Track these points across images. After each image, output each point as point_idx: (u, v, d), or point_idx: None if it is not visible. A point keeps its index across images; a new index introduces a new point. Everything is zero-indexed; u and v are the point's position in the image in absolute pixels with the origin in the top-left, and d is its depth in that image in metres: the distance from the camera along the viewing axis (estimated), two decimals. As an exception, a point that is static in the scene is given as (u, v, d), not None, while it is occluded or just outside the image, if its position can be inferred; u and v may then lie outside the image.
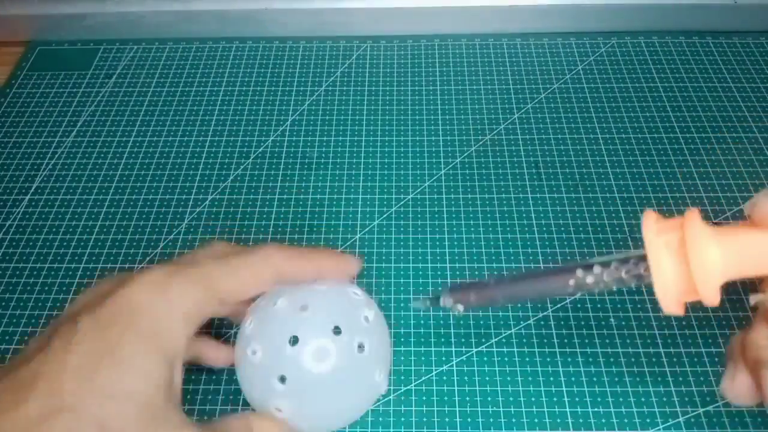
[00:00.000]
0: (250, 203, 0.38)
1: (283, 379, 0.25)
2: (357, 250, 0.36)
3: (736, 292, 0.33)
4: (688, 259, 0.21)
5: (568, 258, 0.35)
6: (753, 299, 0.23)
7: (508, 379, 0.31)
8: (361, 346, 0.26)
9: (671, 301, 0.22)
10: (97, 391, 0.22)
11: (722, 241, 0.21)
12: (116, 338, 0.23)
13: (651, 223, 0.22)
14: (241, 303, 0.28)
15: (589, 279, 0.24)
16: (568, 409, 0.30)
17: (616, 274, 0.23)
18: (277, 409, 0.26)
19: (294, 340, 0.25)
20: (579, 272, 0.24)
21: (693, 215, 0.21)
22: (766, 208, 0.21)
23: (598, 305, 0.33)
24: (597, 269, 0.24)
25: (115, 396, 0.22)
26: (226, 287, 0.26)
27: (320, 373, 0.25)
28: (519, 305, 0.33)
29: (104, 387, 0.22)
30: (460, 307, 0.27)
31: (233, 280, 0.26)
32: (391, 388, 0.31)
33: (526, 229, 0.36)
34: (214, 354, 0.29)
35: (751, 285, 0.24)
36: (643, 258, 0.22)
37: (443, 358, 0.32)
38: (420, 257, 0.35)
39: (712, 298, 0.21)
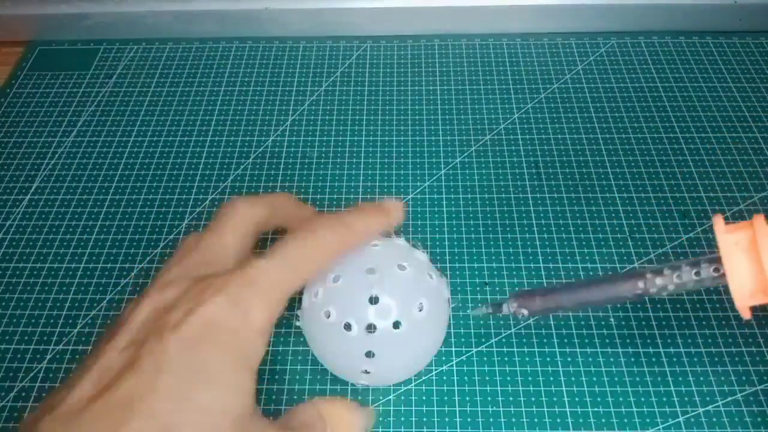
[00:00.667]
0: (250, 203, 0.38)
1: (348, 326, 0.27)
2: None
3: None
4: (759, 258, 0.21)
5: (568, 258, 0.35)
6: None
7: (508, 379, 0.31)
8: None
9: (743, 300, 0.22)
10: (193, 409, 0.22)
11: None
12: (204, 357, 0.23)
13: (721, 224, 0.23)
14: None
15: (659, 281, 0.24)
16: (568, 409, 0.30)
17: (686, 276, 0.24)
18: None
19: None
20: (648, 275, 0.25)
21: (761, 217, 0.22)
22: None
23: (598, 305, 0.33)
24: (667, 272, 0.24)
25: (211, 413, 0.22)
26: (291, 288, 0.26)
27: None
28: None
29: (200, 405, 0.22)
30: (525, 312, 0.27)
31: (298, 281, 0.26)
32: (392, 387, 0.31)
33: (526, 229, 0.36)
34: None
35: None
36: (714, 260, 0.23)
37: (443, 358, 0.32)
38: (420, 257, 0.35)
39: None
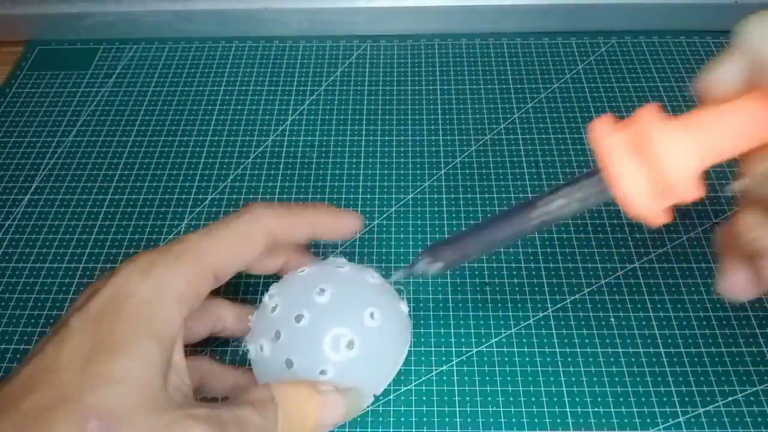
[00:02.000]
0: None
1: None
2: (357, 250, 0.36)
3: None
4: (651, 157, 0.19)
5: (569, 258, 0.35)
6: (735, 186, 0.20)
7: (508, 379, 0.31)
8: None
9: (643, 206, 0.19)
10: (93, 379, 0.21)
11: (685, 128, 0.19)
12: (107, 327, 0.22)
13: (603, 125, 0.20)
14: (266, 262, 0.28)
15: (552, 206, 0.22)
16: (568, 409, 0.30)
17: (580, 192, 0.22)
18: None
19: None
20: (541, 202, 0.23)
21: (648, 109, 0.19)
22: (713, 80, 0.19)
23: (599, 305, 0.33)
24: (559, 192, 0.22)
25: (113, 382, 0.21)
26: (216, 259, 0.25)
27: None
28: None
29: (101, 374, 0.21)
30: (440, 265, 0.26)
31: (221, 251, 0.25)
32: (391, 388, 0.30)
33: (526, 228, 0.36)
34: (231, 322, 0.29)
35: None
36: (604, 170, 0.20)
37: (443, 358, 0.32)
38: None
39: (691, 192, 0.19)
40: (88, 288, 0.25)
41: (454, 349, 0.32)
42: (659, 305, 0.33)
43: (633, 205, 0.19)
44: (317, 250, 0.36)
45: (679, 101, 0.43)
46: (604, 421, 0.29)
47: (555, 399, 0.30)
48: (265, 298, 0.29)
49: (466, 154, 0.40)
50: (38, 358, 0.22)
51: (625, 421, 0.29)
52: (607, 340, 0.32)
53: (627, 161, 0.19)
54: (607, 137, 0.19)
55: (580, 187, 0.22)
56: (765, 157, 0.19)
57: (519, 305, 0.33)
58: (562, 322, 0.33)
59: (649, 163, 0.19)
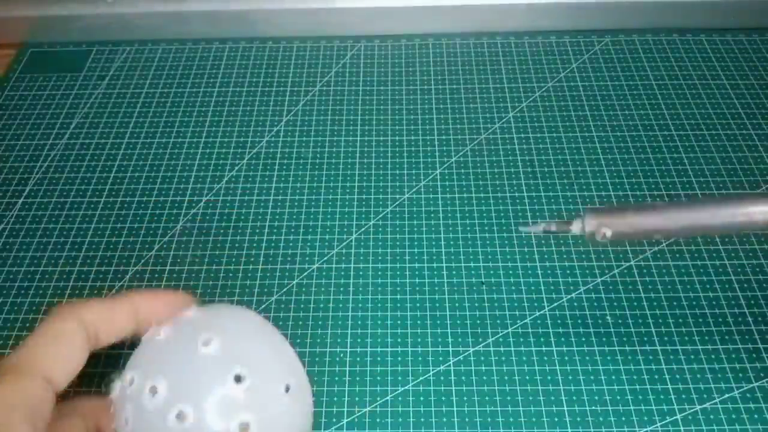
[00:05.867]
0: (244, 205, 0.38)
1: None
2: (353, 251, 0.36)
3: (732, 289, 0.33)
4: None
5: (564, 256, 0.35)
6: None
7: (506, 378, 0.31)
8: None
9: None
10: None
11: None
12: None
13: None
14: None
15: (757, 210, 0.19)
16: (565, 408, 0.30)
17: None
18: None
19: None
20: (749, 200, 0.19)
21: None
22: None
23: (595, 303, 0.33)
24: None
25: None
26: (44, 367, 0.22)
27: None
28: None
29: None
30: (609, 232, 0.22)
31: (46, 357, 0.22)
32: (389, 388, 0.30)
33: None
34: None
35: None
36: None
37: (441, 358, 0.32)
38: (416, 257, 0.35)
39: None
40: None
41: (451, 349, 0.32)
42: (655, 303, 0.33)
43: None
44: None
45: (673, 99, 0.43)
46: (601, 419, 0.29)
47: (552, 398, 0.30)
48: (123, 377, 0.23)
49: (461, 153, 0.40)
50: None
51: (623, 419, 0.29)
52: (604, 339, 0.32)
53: None
54: None
55: None
56: None
57: (515, 305, 0.33)
58: (559, 321, 0.33)
59: None
